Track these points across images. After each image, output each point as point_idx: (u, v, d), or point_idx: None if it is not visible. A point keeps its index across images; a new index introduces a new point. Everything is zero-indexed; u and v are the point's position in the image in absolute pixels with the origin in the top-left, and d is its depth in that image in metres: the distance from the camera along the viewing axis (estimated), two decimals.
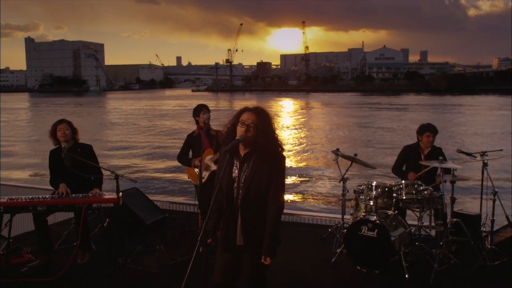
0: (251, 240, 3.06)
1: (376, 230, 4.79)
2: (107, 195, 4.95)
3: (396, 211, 5.17)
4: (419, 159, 5.51)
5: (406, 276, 4.59)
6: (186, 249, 5.31)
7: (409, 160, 5.64)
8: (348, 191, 5.65)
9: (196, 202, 5.75)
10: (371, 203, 5.11)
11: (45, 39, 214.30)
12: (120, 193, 4.94)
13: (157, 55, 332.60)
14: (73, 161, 5.03)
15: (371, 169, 5.91)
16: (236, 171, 3.10)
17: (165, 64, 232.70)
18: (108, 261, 4.95)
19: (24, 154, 23.68)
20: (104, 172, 5.16)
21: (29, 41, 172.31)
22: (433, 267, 4.65)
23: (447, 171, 5.12)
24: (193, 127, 5.87)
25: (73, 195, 4.95)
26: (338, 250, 5.18)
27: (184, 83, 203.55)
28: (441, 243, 4.86)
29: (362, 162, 5.51)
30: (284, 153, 3.15)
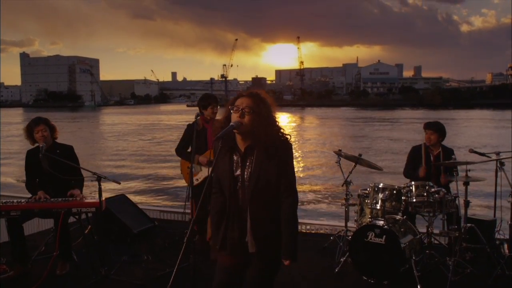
0: (265, 245, 2.66)
1: (384, 236, 4.37)
2: (89, 199, 4.52)
3: (405, 216, 4.75)
4: (428, 161, 5.11)
5: (418, 286, 4.16)
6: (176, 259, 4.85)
7: (418, 161, 5.23)
8: (351, 196, 5.23)
9: (187, 209, 5.29)
10: (378, 207, 4.69)
11: (40, 54, 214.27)
12: (103, 197, 4.51)
13: (152, 71, 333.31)
14: (51, 162, 4.60)
15: (377, 171, 5.46)
16: (239, 169, 2.70)
17: (160, 80, 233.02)
18: (89, 272, 4.51)
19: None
20: (85, 174, 4.72)
21: (24, 57, 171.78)
22: (448, 277, 4.23)
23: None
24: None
25: (52, 199, 4.51)
26: (342, 259, 4.75)
27: (179, 98, 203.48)
28: (455, 250, 4.43)
29: (368, 163, 5.08)
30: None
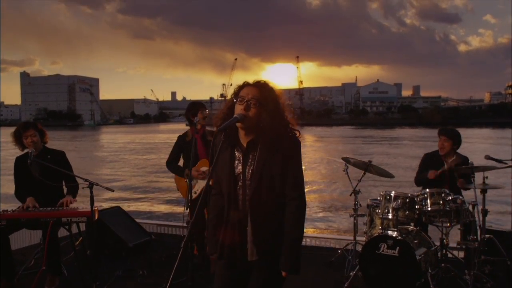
0: (267, 252, 2.35)
1: (397, 248, 4.05)
2: (81, 209, 4.22)
3: (418, 227, 4.44)
4: (442, 167, 4.82)
5: None
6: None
7: (430, 169, 4.93)
8: (360, 206, 4.91)
9: (184, 224, 4.98)
10: (390, 217, 4.37)
11: (40, 73, 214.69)
12: (96, 207, 4.20)
13: (152, 90, 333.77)
14: (41, 169, 4.31)
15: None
16: (240, 166, 2.41)
17: (160, 99, 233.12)
18: (80, 287, 4.18)
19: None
20: (77, 181, 4.42)
21: (24, 76, 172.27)
22: None
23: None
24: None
25: (41, 208, 4.21)
26: (351, 274, 4.41)
27: (178, 117, 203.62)
28: (474, 263, 4.11)
29: (378, 170, 4.77)
30: None
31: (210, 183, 2.39)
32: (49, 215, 4.06)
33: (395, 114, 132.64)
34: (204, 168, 4.88)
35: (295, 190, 2.37)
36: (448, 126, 5.16)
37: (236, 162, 2.42)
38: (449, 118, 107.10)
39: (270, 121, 2.32)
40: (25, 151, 4.43)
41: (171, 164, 5.01)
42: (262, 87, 2.40)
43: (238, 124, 2.35)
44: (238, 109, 2.35)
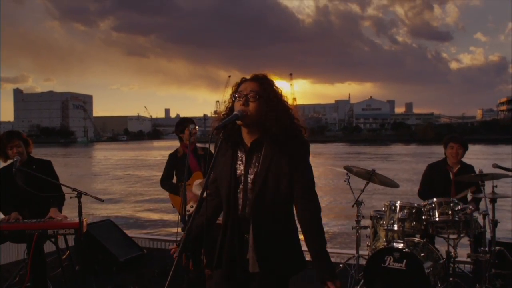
0: (269, 264, 2.12)
1: (404, 261, 3.82)
2: (69, 220, 3.97)
3: (425, 239, 4.22)
4: (447, 179, 4.62)
5: None
6: None
7: (435, 180, 4.73)
8: (363, 217, 4.69)
9: (178, 238, 4.74)
10: (395, 228, 4.15)
11: (33, 90, 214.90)
12: (85, 218, 3.96)
13: (145, 107, 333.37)
14: (26, 178, 4.07)
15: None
16: (242, 167, 2.19)
17: (154, 116, 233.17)
18: None
19: None
20: (65, 190, 4.17)
21: (17, 93, 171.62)
22: None
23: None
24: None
25: (25, 220, 3.96)
26: None
27: (172, 134, 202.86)
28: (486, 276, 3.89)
29: (382, 179, 4.55)
30: None
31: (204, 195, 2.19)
32: (34, 227, 3.81)
33: (389, 131, 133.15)
34: (198, 181, 4.71)
35: (309, 193, 2.17)
36: (455, 134, 4.93)
37: (238, 163, 2.21)
38: (442, 135, 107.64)
39: (274, 115, 2.11)
40: (10, 162, 4.20)
41: (165, 182, 4.85)
42: (260, 80, 2.20)
43: (239, 122, 2.15)
44: (238, 106, 2.15)
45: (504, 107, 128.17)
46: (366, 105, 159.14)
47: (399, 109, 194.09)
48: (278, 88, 2.22)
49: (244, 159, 2.20)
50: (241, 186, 2.19)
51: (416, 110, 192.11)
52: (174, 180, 4.88)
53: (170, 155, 4.95)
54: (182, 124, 4.82)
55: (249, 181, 2.16)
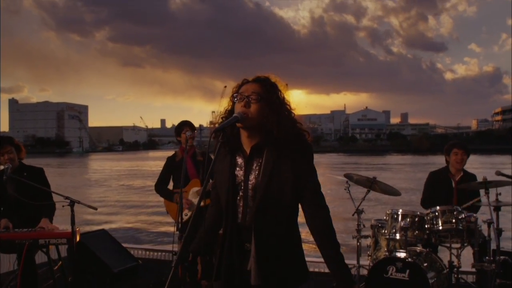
0: (272, 276, 2.02)
1: (407, 271, 3.71)
2: (60, 230, 3.84)
3: (428, 248, 4.11)
4: (450, 187, 4.53)
5: None
6: None
7: (437, 188, 4.63)
8: (364, 226, 4.58)
9: (175, 249, 4.61)
10: (397, 237, 4.04)
11: (29, 100, 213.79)
12: (77, 228, 3.83)
13: (141, 117, 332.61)
14: (17, 186, 3.95)
15: (393, 196, 4.76)
16: (241, 173, 2.08)
17: (149, 126, 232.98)
18: None
19: None
20: (57, 198, 4.04)
21: (13, 103, 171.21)
22: None
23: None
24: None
25: (15, 229, 3.83)
26: None
27: (168, 145, 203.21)
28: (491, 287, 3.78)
29: (383, 187, 4.45)
30: None
31: (202, 204, 2.08)
32: (25, 237, 3.68)
33: (384, 141, 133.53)
34: (195, 189, 4.59)
35: (318, 198, 2.08)
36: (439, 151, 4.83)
37: (237, 169, 2.11)
38: (437, 145, 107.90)
39: (276, 118, 2.01)
40: (0, 168, 4.08)
41: (160, 186, 4.71)
42: (263, 82, 2.10)
43: (239, 125, 2.05)
44: (238, 107, 2.05)
45: (499, 117, 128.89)
46: (362, 115, 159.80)
47: (395, 119, 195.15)
48: (280, 91, 2.12)
49: (243, 164, 2.09)
50: (240, 193, 2.08)
51: (411, 120, 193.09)
52: (173, 186, 4.77)
53: (168, 158, 4.83)
54: (179, 127, 4.71)
55: (250, 188, 2.06)
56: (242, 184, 2.08)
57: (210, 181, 2.41)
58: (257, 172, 2.05)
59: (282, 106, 2.08)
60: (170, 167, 4.73)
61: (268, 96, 2.05)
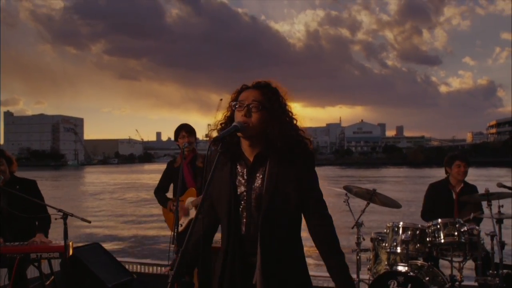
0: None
1: (409, 285, 3.62)
2: (53, 243, 3.74)
3: (430, 262, 4.03)
4: (450, 199, 4.46)
5: None
6: None
7: (437, 200, 4.56)
8: (363, 240, 4.49)
9: (170, 261, 4.50)
10: (398, 250, 3.96)
11: (24, 113, 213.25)
12: (71, 242, 3.74)
13: (137, 130, 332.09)
14: (9, 199, 3.85)
15: (394, 209, 4.67)
16: (243, 185, 2.00)
17: (145, 139, 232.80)
18: None
19: None
20: (50, 211, 3.95)
21: (8, 115, 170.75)
22: None
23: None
24: None
25: (6, 243, 3.72)
26: None
27: (163, 157, 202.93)
28: None
29: (383, 199, 4.37)
30: None
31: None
32: (16, 251, 3.57)
33: (380, 154, 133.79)
34: (190, 198, 4.48)
35: (321, 207, 2.02)
36: (433, 166, 4.76)
37: (239, 178, 2.02)
38: (433, 158, 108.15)
39: (278, 127, 1.94)
40: None
41: (158, 193, 4.64)
42: (264, 89, 2.03)
43: (239, 134, 1.97)
44: (238, 116, 1.98)
45: (493, 130, 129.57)
46: (357, 128, 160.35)
47: (390, 132, 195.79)
48: (282, 97, 2.05)
49: (245, 174, 2.01)
50: (243, 204, 1.99)
51: (406, 133, 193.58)
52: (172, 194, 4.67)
53: (168, 163, 4.75)
54: (176, 131, 4.59)
55: (253, 197, 1.98)
56: (245, 194, 1.99)
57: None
58: (260, 182, 1.98)
59: (284, 114, 2.02)
60: (169, 173, 4.63)
61: (270, 104, 1.98)
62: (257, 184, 1.98)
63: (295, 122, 2.04)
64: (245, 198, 1.99)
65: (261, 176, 1.98)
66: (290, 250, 1.99)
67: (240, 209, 1.99)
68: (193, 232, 1.86)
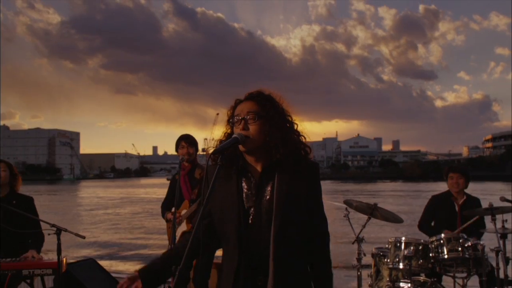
0: None
1: None
2: (46, 259, 3.64)
3: (433, 278, 3.93)
4: (453, 211, 4.39)
5: None
6: None
7: (439, 212, 4.50)
8: (365, 255, 4.39)
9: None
10: (401, 266, 3.86)
11: (20, 127, 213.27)
12: (64, 258, 3.63)
13: (133, 144, 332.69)
14: (4, 214, 3.75)
15: (395, 224, 4.58)
16: (251, 200, 1.90)
17: (141, 154, 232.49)
18: None
19: None
20: (43, 226, 3.84)
21: (4, 129, 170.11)
22: None
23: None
24: None
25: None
26: None
27: (159, 172, 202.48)
28: None
29: (384, 214, 4.28)
30: None
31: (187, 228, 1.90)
32: (8, 267, 3.47)
33: (376, 168, 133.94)
34: (183, 211, 4.41)
35: (323, 223, 1.99)
36: (428, 179, 4.73)
37: (246, 193, 1.92)
38: (429, 172, 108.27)
39: (280, 135, 1.87)
40: None
41: (162, 205, 4.60)
42: (257, 98, 1.96)
43: (241, 148, 1.89)
44: (237, 131, 1.91)
45: (489, 144, 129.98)
46: (354, 142, 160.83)
47: (386, 147, 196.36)
48: (277, 103, 1.98)
49: (253, 188, 1.92)
50: (251, 219, 1.89)
51: (403, 148, 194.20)
52: None
53: (173, 176, 4.71)
54: (177, 143, 4.54)
55: (263, 213, 1.87)
56: (252, 210, 1.90)
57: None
58: (269, 196, 1.88)
59: (283, 119, 1.95)
60: (172, 185, 4.61)
61: (266, 112, 1.91)
62: (266, 199, 1.89)
63: (295, 127, 1.98)
64: (253, 214, 1.89)
65: (269, 190, 1.89)
66: (302, 268, 1.92)
67: (249, 225, 1.89)
68: (190, 251, 1.77)
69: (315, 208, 1.95)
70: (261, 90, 2.00)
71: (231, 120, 1.96)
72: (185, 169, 4.42)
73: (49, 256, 4.02)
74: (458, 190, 4.50)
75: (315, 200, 1.95)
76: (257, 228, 1.87)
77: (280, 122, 1.91)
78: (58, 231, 3.43)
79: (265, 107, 1.92)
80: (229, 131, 2.00)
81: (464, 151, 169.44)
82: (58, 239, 3.44)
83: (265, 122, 1.89)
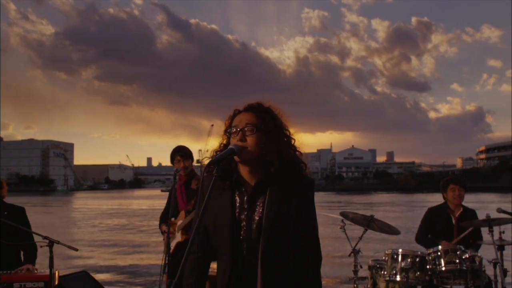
0: None
1: None
2: (38, 272, 3.57)
3: None
4: (450, 223, 4.36)
5: None
6: None
7: (436, 225, 4.47)
8: (361, 267, 4.36)
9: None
10: (398, 279, 3.83)
11: (14, 138, 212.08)
12: (57, 270, 3.57)
13: (127, 156, 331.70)
14: None
15: (392, 235, 4.56)
16: (243, 214, 1.88)
17: (136, 165, 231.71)
18: None
19: None
20: (35, 238, 3.79)
21: None
22: None
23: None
24: None
25: None
26: None
27: (154, 183, 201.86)
28: None
29: (381, 226, 4.26)
30: None
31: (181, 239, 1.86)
32: None
33: (371, 180, 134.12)
34: (178, 222, 4.38)
35: (311, 243, 1.92)
36: (423, 192, 4.68)
37: (238, 207, 1.90)
38: (423, 183, 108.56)
39: (276, 149, 1.85)
40: None
41: (161, 216, 4.58)
42: (256, 110, 1.93)
43: (236, 159, 1.86)
44: (234, 142, 1.88)
45: (483, 156, 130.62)
46: (348, 154, 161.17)
47: (381, 158, 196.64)
48: (277, 116, 1.96)
49: (245, 202, 1.89)
50: (242, 234, 1.87)
51: (397, 159, 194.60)
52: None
53: (171, 187, 4.64)
54: (171, 156, 4.51)
55: (254, 228, 1.85)
56: (245, 224, 1.87)
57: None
58: (261, 210, 1.86)
59: (281, 133, 1.92)
60: (171, 196, 4.55)
61: (264, 125, 1.88)
62: (258, 213, 1.86)
63: (293, 142, 1.94)
64: (245, 228, 1.87)
65: (261, 204, 1.87)
66: (291, 281, 1.87)
67: (240, 238, 1.87)
68: (185, 265, 1.74)
69: (307, 229, 1.91)
70: (261, 102, 1.98)
71: (228, 130, 1.94)
72: (181, 180, 4.39)
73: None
74: (459, 203, 4.46)
75: (307, 220, 1.90)
76: (248, 242, 1.86)
77: (277, 136, 1.89)
78: (51, 243, 3.38)
79: (264, 120, 1.89)
80: (225, 141, 1.97)
81: (458, 163, 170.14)
82: (51, 251, 3.39)
83: (263, 135, 1.87)
